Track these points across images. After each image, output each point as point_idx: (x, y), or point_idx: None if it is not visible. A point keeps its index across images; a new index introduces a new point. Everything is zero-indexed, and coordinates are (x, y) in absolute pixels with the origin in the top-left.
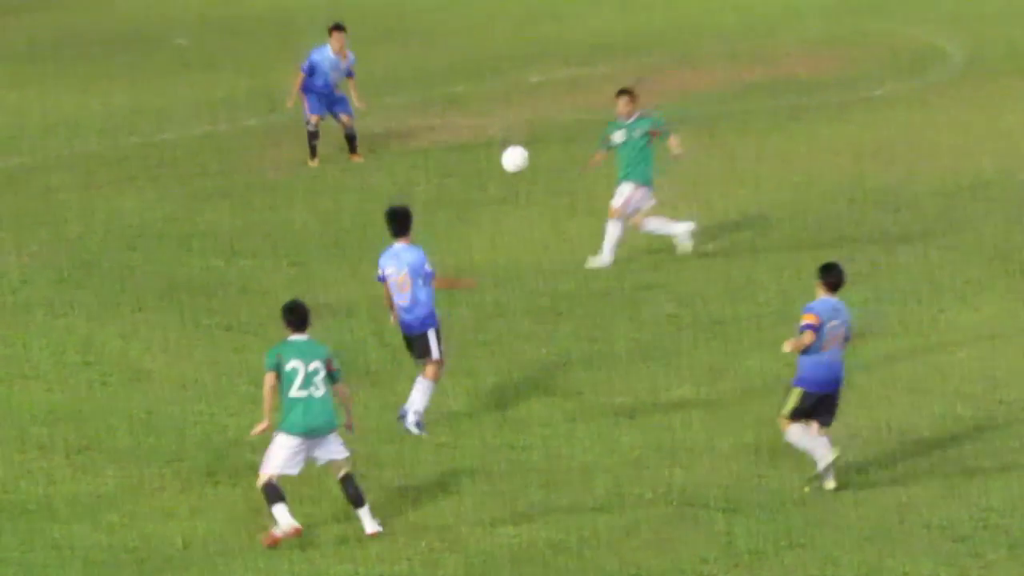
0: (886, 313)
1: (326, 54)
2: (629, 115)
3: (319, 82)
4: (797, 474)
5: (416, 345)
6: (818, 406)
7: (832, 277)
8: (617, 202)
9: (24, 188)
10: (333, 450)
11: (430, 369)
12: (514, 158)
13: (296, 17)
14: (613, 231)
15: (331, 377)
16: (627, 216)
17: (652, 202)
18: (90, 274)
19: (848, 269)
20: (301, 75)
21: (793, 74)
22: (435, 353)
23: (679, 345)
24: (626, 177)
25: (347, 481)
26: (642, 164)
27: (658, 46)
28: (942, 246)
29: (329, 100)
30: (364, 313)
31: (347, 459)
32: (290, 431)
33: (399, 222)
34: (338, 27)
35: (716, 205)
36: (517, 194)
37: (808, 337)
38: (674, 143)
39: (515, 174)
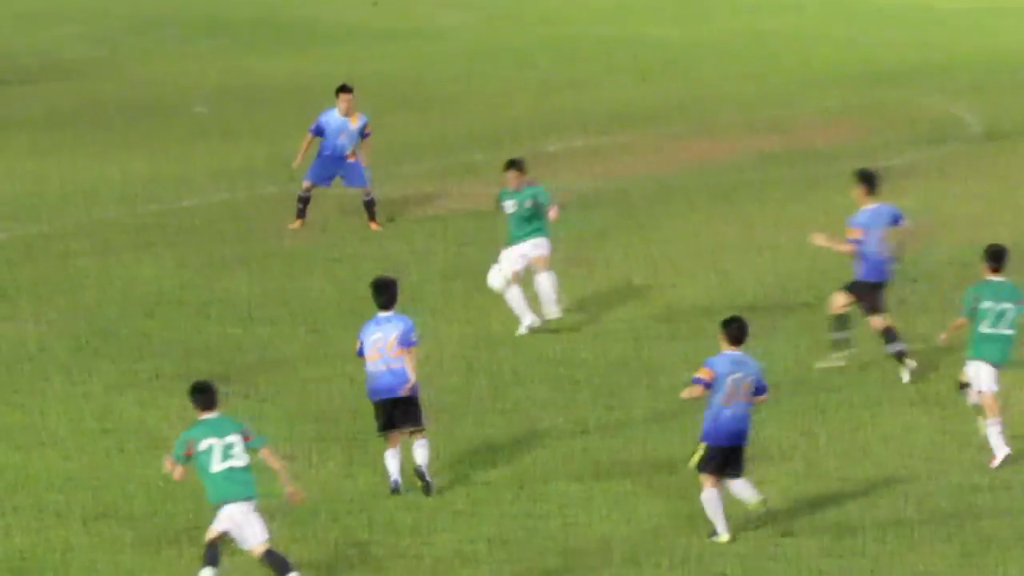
0: (904, 382)
1: (333, 116)
2: (518, 187)
3: (327, 147)
4: (815, 542)
5: (399, 409)
6: (726, 461)
7: (733, 331)
8: (515, 266)
9: (42, 255)
10: (252, 534)
11: (420, 434)
12: (497, 277)
13: (314, 85)
14: (514, 297)
15: (251, 446)
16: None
17: (546, 252)
18: (108, 341)
19: (864, 336)
20: (308, 136)
21: (811, 143)
22: (424, 420)
23: (696, 413)
24: (516, 242)
25: (268, 556)
26: (531, 230)
27: (676, 115)
28: (959, 315)
29: (337, 167)
30: None
31: (264, 541)
32: (225, 501)
33: (386, 293)
34: (344, 88)
35: (733, 274)
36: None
37: (696, 390)
38: (553, 214)
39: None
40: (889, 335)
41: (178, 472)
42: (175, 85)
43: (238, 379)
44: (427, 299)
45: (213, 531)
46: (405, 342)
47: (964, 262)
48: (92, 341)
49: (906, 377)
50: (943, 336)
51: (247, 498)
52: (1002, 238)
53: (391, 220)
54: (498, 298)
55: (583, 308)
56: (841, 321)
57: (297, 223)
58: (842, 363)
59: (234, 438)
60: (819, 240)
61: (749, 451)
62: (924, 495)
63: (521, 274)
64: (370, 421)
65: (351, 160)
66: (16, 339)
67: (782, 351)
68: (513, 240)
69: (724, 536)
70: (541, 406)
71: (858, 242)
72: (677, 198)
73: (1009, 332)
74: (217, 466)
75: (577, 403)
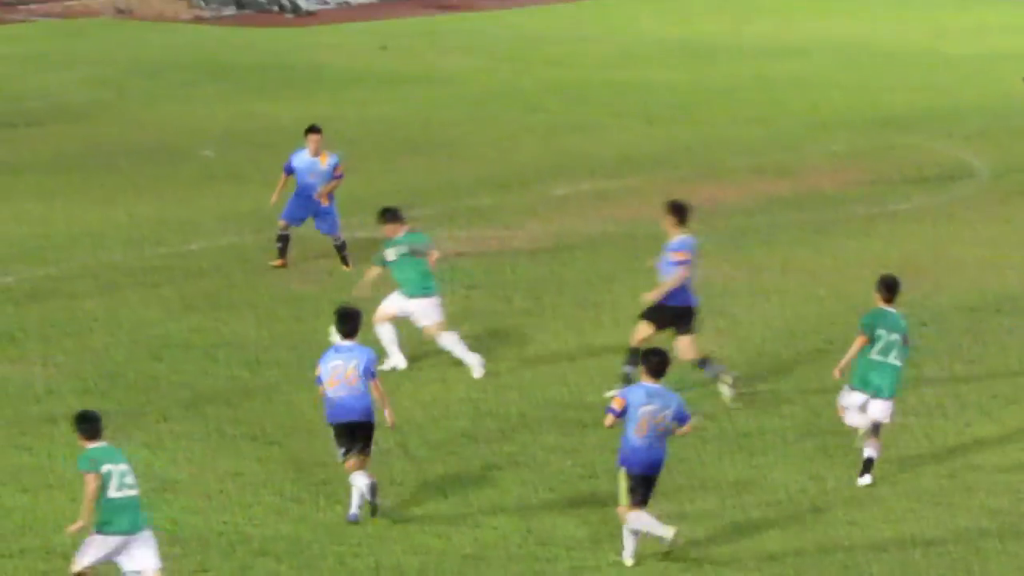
0: (912, 427)
1: (303, 156)
2: (394, 236)
3: (299, 186)
4: None
5: (360, 434)
6: (639, 487)
7: (653, 364)
8: (394, 310)
9: (49, 298)
10: (144, 556)
11: (365, 461)
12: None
13: (325, 131)
14: (386, 334)
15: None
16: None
17: (437, 316)
18: (115, 384)
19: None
20: (283, 175)
21: (819, 188)
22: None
23: (704, 457)
24: (402, 290)
25: None
26: (415, 277)
27: (683, 159)
28: (968, 360)
29: (308, 207)
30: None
31: (158, 570)
32: (107, 532)
33: (349, 323)
34: (312, 129)
35: (741, 318)
36: (543, 307)
37: (607, 419)
38: (432, 260)
39: None
40: (703, 363)
41: (92, 486)
42: (182, 129)
43: (245, 421)
44: (430, 348)
45: (80, 563)
46: (369, 373)
47: (972, 307)
48: (99, 384)
49: (726, 392)
50: (842, 363)
51: (140, 528)
52: (1010, 282)
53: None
54: (505, 341)
55: (591, 352)
56: (703, 361)
57: (279, 261)
58: (732, 392)
59: (125, 467)
60: (650, 297)
61: (759, 496)
62: (932, 540)
63: (398, 317)
64: (376, 466)
65: (325, 205)
66: (23, 382)
67: (790, 395)
68: (403, 290)
69: (629, 561)
70: (549, 450)
71: (686, 263)
72: None
73: (895, 364)
74: (113, 492)
75: (585, 447)
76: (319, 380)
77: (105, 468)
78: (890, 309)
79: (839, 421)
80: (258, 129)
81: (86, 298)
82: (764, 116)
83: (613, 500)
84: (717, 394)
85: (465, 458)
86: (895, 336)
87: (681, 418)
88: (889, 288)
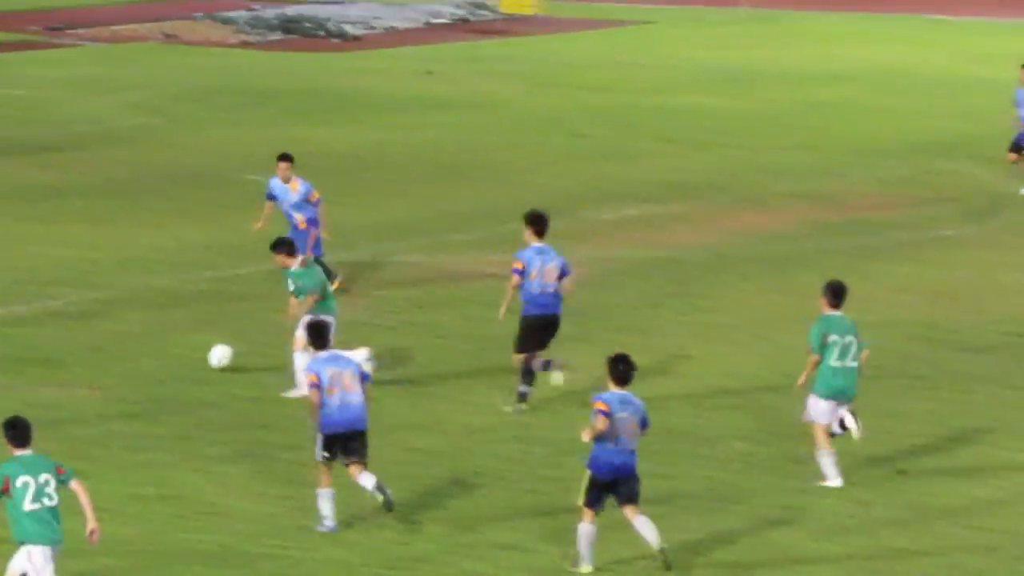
0: (959, 452)
1: (276, 183)
2: (303, 264)
3: (283, 213)
4: None
5: (355, 442)
6: (606, 493)
7: (620, 371)
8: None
9: (98, 322)
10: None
11: (362, 467)
12: (219, 355)
13: (367, 154)
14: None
15: (61, 481)
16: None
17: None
18: (163, 409)
19: (922, 409)
20: (267, 201)
21: (864, 214)
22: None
23: (753, 484)
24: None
25: None
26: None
27: (730, 185)
28: (1016, 387)
29: (295, 235)
30: (435, 438)
31: None
32: (32, 541)
33: (323, 334)
34: (282, 157)
35: (785, 343)
36: (589, 333)
37: (601, 422)
38: (335, 284)
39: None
40: (526, 373)
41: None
42: (229, 154)
43: (295, 446)
44: (483, 367)
45: (11, 572)
46: (366, 377)
47: (1019, 332)
48: (148, 408)
49: (510, 408)
50: (801, 380)
51: (54, 542)
52: None
53: (443, 289)
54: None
55: (638, 379)
56: (526, 372)
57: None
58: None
59: (47, 476)
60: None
61: (809, 522)
62: (980, 570)
63: None
64: (427, 490)
65: (312, 236)
66: (73, 406)
67: None
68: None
69: (587, 568)
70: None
71: (521, 273)
72: (730, 268)
73: (854, 365)
74: (29, 505)
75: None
76: (315, 385)
77: (21, 481)
78: (836, 313)
79: (885, 447)
80: (304, 154)
81: (134, 322)
82: (809, 142)
83: (663, 525)
84: (767, 418)
85: (515, 484)
86: (848, 338)
87: (646, 424)
88: (836, 293)
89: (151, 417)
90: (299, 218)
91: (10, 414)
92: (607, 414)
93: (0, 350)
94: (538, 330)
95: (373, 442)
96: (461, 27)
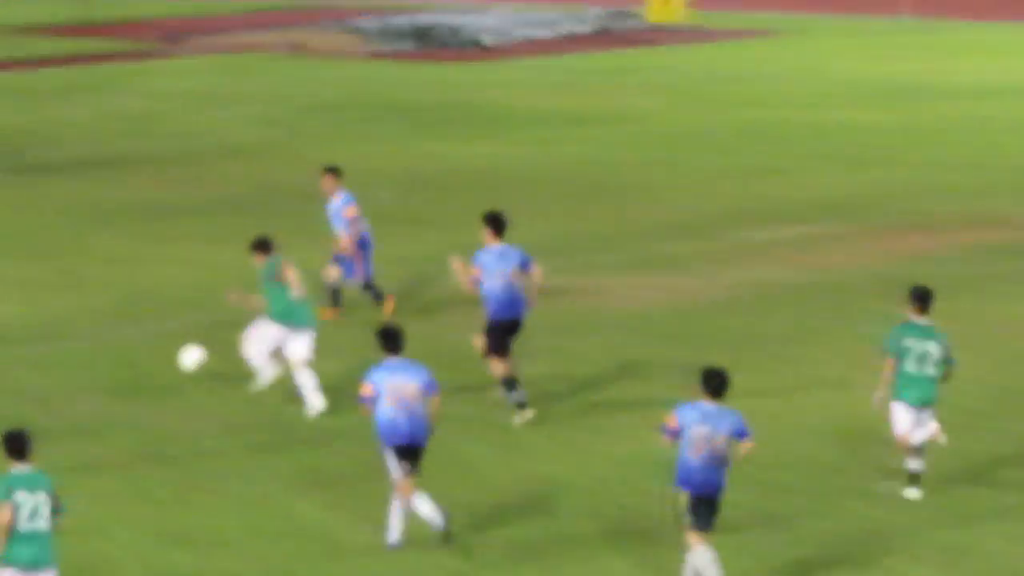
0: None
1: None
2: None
3: None
4: None
5: (419, 457)
6: (696, 508)
7: (713, 384)
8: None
9: (218, 347)
10: None
11: (411, 484)
12: (190, 357)
13: (504, 171)
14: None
15: (55, 511)
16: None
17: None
18: (287, 439)
19: None
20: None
21: None
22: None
23: (917, 524)
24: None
25: None
26: (279, 307)
27: (890, 205)
28: None
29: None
30: (574, 469)
31: None
32: (15, 565)
33: (393, 340)
34: (326, 169)
35: (954, 374)
36: (741, 363)
37: (662, 439)
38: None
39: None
40: (508, 383)
41: (5, 516)
42: (356, 170)
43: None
44: (626, 397)
45: None
46: (431, 388)
47: None
48: (271, 439)
49: (518, 420)
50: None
51: (45, 566)
52: None
53: (585, 313)
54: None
55: (793, 411)
56: (509, 382)
57: (330, 313)
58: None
59: (43, 497)
60: (455, 264)
61: (975, 564)
62: None
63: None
64: (563, 524)
65: (339, 252)
66: (190, 436)
67: (1007, 457)
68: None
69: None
70: (748, 512)
71: (477, 281)
72: (892, 292)
73: (932, 373)
74: (23, 524)
75: (788, 512)
76: (367, 399)
77: (18, 497)
78: (920, 321)
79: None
80: (437, 171)
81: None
82: (976, 161)
83: (822, 568)
84: (929, 453)
85: (657, 520)
86: (928, 345)
87: (740, 434)
88: (922, 299)
89: (273, 447)
90: (342, 233)
91: (122, 445)
92: (673, 433)
93: (114, 375)
94: (503, 333)
95: (509, 473)
96: (604, 37)
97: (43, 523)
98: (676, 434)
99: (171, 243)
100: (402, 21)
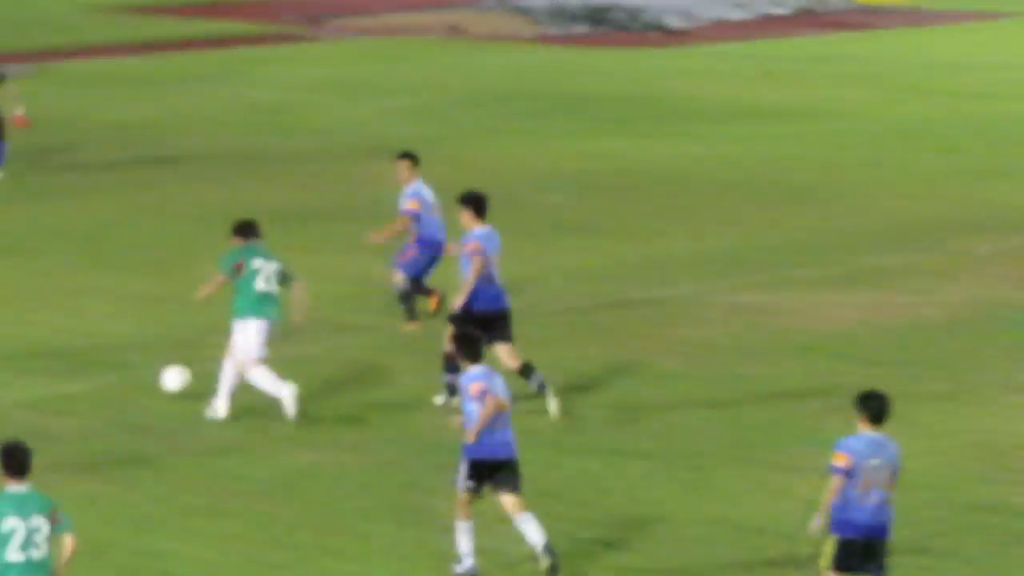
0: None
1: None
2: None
3: None
4: None
5: (512, 469)
6: (863, 557)
7: (874, 408)
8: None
9: (364, 372)
10: None
11: (520, 500)
12: (173, 379)
13: (691, 172)
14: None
15: (56, 529)
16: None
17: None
18: (443, 477)
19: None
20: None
21: None
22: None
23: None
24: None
25: None
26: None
27: None
28: None
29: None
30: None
31: None
32: None
33: (475, 346)
34: (402, 155)
35: None
36: (961, 388)
37: (836, 482)
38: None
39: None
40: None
41: None
42: (523, 170)
43: (600, 523)
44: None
45: None
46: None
47: None
48: (425, 478)
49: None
50: None
51: None
52: None
53: (776, 335)
54: (915, 428)
55: (1020, 444)
56: (526, 369)
57: (411, 325)
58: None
59: (40, 521)
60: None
61: None
62: None
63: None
64: None
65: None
66: (336, 474)
67: None
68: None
69: None
70: (967, 563)
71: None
72: None
73: None
74: (14, 555)
75: (1011, 565)
76: (489, 393)
77: (8, 525)
78: None
79: None
80: (615, 171)
81: (406, 372)
82: None
83: None
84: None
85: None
86: None
87: (896, 469)
88: None
89: (428, 489)
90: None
91: (252, 478)
92: (845, 471)
93: (247, 403)
94: (485, 325)
95: (693, 512)
96: (806, 19)
97: (36, 552)
98: (848, 473)
99: (315, 254)
100: (575, 1)
